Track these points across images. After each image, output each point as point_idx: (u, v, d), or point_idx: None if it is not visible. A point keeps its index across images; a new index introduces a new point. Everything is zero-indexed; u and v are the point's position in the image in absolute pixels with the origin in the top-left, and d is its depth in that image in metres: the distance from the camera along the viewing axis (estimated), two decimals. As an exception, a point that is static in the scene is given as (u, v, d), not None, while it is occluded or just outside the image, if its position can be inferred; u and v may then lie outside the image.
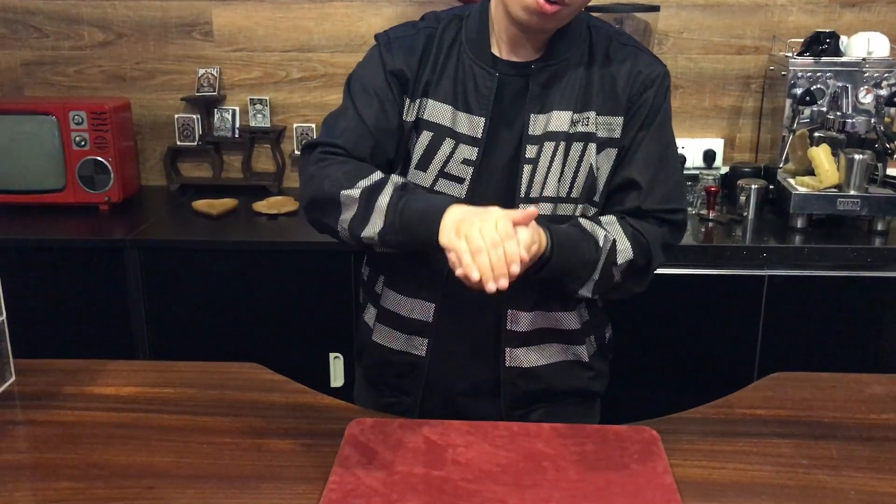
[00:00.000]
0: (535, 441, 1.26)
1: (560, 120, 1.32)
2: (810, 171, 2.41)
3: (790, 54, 2.54)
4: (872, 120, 2.41)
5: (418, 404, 1.45)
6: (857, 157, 2.31)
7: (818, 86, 2.47)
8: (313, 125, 2.81)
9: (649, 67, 1.36)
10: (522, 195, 1.32)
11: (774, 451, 1.26)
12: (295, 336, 2.37)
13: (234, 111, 2.82)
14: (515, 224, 1.16)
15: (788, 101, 2.50)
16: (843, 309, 2.26)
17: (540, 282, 1.30)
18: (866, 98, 2.45)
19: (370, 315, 1.48)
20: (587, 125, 1.33)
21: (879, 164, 2.37)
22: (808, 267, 2.23)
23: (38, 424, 1.32)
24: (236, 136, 2.83)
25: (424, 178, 1.34)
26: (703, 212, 2.45)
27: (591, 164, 1.34)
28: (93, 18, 2.79)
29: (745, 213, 2.47)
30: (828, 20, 2.69)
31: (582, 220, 1.32)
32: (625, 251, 1.31)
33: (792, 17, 2.69)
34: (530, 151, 1.32)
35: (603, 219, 1.34)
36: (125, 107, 2.71)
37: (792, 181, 2.43)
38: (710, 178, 2.56)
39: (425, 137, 1.34)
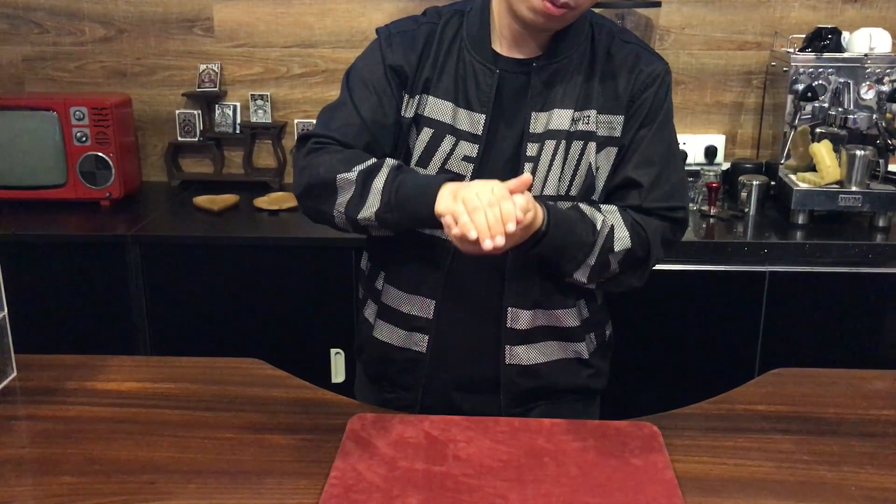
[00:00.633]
0: (537, 436, 1.26)
1: (561, 118, 1.32)
2: (812, 168, 2.41)
3: (792, 50, 2.53)
4: (874, 116, 2.40)
5: (419, 400, 1.45)
6: (858, 153, 2.30)
7: (820, 82, 2.47)
8: (314, 121, 2.79)
9: (651, 65, 1.35)
10: None
11: (775, 446, 1.26)
12: (296, 332, 2.38)
13: (235, 107, 2.82)
14: (511, 191, 1.16)
15: (790, 97, 2.50)
16: (844, 305, 2.26)
17: (535, 259, 1.30)
18: (868, 94, 2.45)
19: (370, 311, 1.48)
20: (587, 124, 1.33)
21: (881, 161, 2.37)
22: (810, 263, 2.23)
23: (39, 420, 1.32)
24: (237, 131, 2.83)
25: (425, 175, 1.34)
26: (705, 208, 2.45)
27: (591, 164, 1.33)
28: (94, 14, 2.79)
29: (747, 210, 2.47)
30: (830, 16, 2.68)
31: (581, 205, 1.32)
32: (623, 239, 1.31)
33: (794, 13, 2.69)
34: (531, 150, 1.32)
35: (604, 207, 1.34)
36: (126, 102, 2.71)
37: (793, 177, 2.43)
38: (711, 174, 2.56)
39: (426, 134, 1.34)
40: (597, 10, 1.37)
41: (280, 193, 2.68)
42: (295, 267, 2.34)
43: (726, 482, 1.17)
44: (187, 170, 2.92)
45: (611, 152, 1.35)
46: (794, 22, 2.69)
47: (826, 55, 2.47)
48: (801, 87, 2.46)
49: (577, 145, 1.33)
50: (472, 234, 1.11)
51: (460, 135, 1.33)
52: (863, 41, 2.47)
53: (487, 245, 1.11)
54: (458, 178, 1.28)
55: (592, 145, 1.33)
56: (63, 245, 2.37)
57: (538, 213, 1.22)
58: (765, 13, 2.69)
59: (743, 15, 2.70)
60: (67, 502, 1.11)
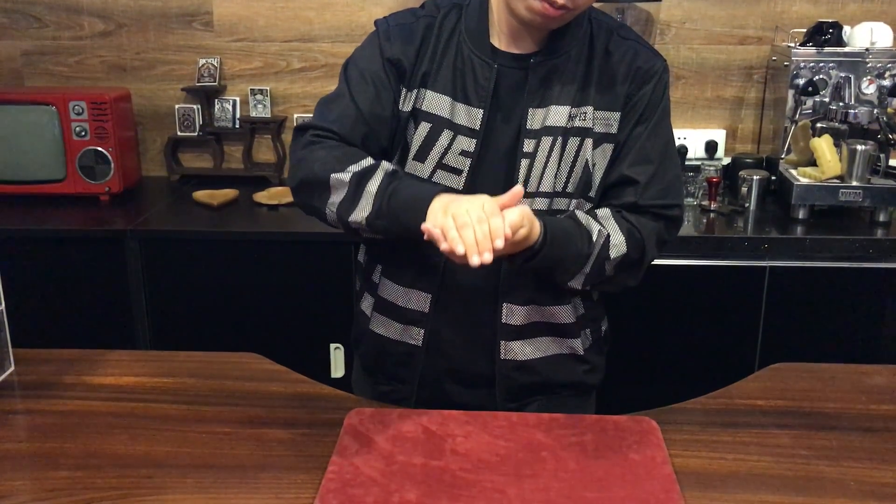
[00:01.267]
0: (535, 431, 1.26)
1: (558, 115, 1.32)
2: (812, 162, 2.40)
3: (793, 44, 2.53)
4: (875, 110, 2.40)
5: (414, 393, 1.45)
6: (859, 147, 2.30)
7: (821, 76, 2.46)
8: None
9: (649, 62, 1.35)
10: None
11: (774, 441, 1.25)
12: (296, 327, 2.37)
13: (234, 101, 2.81)
14: (503, 207, 1.16)
15: (791, 92, 2.49)
16: (844, 300, 2.25)
17: (531, 271, 1.29)
18: (869, 88, 2.44)
19: (367, 304, 1.48)
20: (584, 120, 1.32)
21: (882, 155, 2.36)
22: (810, 258, 2.23)
23: (37, 414, 1.32)
24: (237, 126, 2.83)
25: (422, 170, 1.34)
26: (705, 202, 2.45)
27: (587, 160, 1.33)
28: (93, 8, 2.78)
29: (747, 204, 2.46)
30: (831, 10, 2.67)
31: (578, 213, 1.31)
32: (618, 245, 1.31)
33: (795, 7, 2.68)
34: (528, 146, 1.32)
35: (599, 212, 1.34)
36: (126, 97, 2.70)
37: (794, 172, 2.42)
38: (711, 168, 2.55)
39: (423, 128, 1.33)
40: (597, 5, 1.36)
41: (279, 188, 2.68)
42: (295, 262, 2.34)
43: (725, 477, 1.17)
44: (187, 164, 2.91)
45: (607, 149, 1.34)
46: (795, 16, 2.68)
47: (827, 49, 2.46)
48: (801, 81, 2.45)
49: (573, 142, 1.32)
50: (460, 250, 1.11)
51: (458, 129, 1.33)
52: (864, 35, 2.47)
53: (475, 261, 1.11)
54: (452, 190, 1.27)
55: (589, 142, 1.33)
56: (62, 240, 2.37)
57: (534, 228, 1.22)
58: (766, 7, 2.69)
59: (744, 9, 2.69)
60: (65, 496, 1.11)
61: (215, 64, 2.79)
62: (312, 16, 2.76)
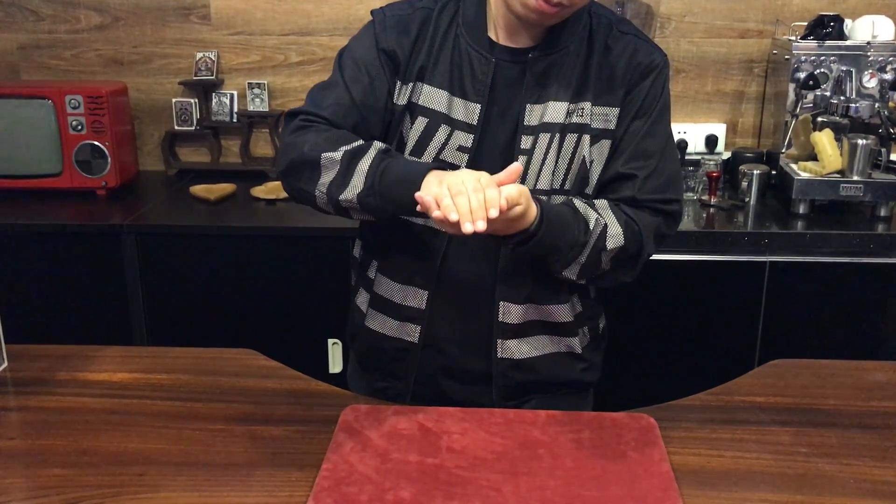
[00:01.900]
0: (531, 428, 1.25)
1: (556, 111, 1.30)
2: (813, 157, 2.39)
3: (793, 38, 2.51)
4: (876, 104, 2.38)
5: (410, 390, 1.44)
6: (860, 142, 2.29)
7: (822, 70, 2.45)
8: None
9: (648, 57, 1.33)
10: None
11: (773, 438, 1.25)
12: (293, 322, 2.37)
13: (232, 95, 2.80)
14: (500, 184, 1.13)
15: (791, 86, 2.48)
16: (844, 296, 2.24)
17: (525, 256, 1.28)
18: (870, 82, 2.43)
19: (362, 300, 1.47)
20: (582, 116, 1.31)
21: (883, 150, 2.35)
22: (810, 253, 2.22)
23: (29, 410, 1.31)
24: (234, 120, 2.82)
25: (418, 165, 1.33)
26: (705, 197, 2.43)
27: (585, 157, 1.32)
28: (89, 2, 2.77)
29: (747, 199, 2.45)
30: (832, 3, 2.66)
31: (576, 200, 1.30)
32: (616, 237, 1.29)
33: (796, 0, 2.66)
34: (525, 142, 1.30)
35: (597, 202, 1.32)
36: (122, 91, 2.69)
37: (794, 166, 2.41)
38: (711, 163, 2.54)
39: (420, 123, 1.32)
40: (596, -1, 1.35)
41: (277, 183, 2.66)
42: (292, 256, 2.33)
43: (723, 475, 1.16)
44: (184, 159, 2.90)
45: (605, 145, 1.33)
46: (796, 9, 2.66)
47: (828, 43, 2.45)
48: (802, 75, 2.44)
49: (570, 138, 1.31)
50: (453, 217, 1.08)
51: (455, 124, 1.31)
52: (865, 29, 2.45)
53: (468, 228, 1.07)
54: (447, 167, 1.25)
55: (586, 138, 1.31)
56: (58, 234, 2.36)
57: (530, 210, 1.19)
58: (766, 0, 2.67)
59: (744, 2, 2.68)
60: (57, 494, 1.10)
61: (212, 57, 2.78)
62: (310, 9, 2.75)
